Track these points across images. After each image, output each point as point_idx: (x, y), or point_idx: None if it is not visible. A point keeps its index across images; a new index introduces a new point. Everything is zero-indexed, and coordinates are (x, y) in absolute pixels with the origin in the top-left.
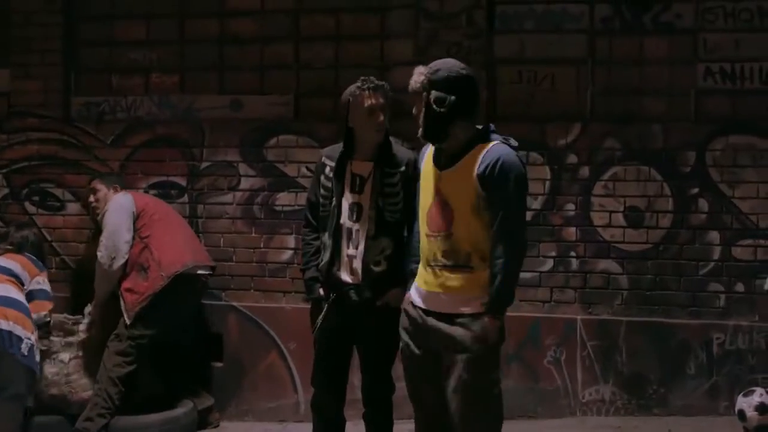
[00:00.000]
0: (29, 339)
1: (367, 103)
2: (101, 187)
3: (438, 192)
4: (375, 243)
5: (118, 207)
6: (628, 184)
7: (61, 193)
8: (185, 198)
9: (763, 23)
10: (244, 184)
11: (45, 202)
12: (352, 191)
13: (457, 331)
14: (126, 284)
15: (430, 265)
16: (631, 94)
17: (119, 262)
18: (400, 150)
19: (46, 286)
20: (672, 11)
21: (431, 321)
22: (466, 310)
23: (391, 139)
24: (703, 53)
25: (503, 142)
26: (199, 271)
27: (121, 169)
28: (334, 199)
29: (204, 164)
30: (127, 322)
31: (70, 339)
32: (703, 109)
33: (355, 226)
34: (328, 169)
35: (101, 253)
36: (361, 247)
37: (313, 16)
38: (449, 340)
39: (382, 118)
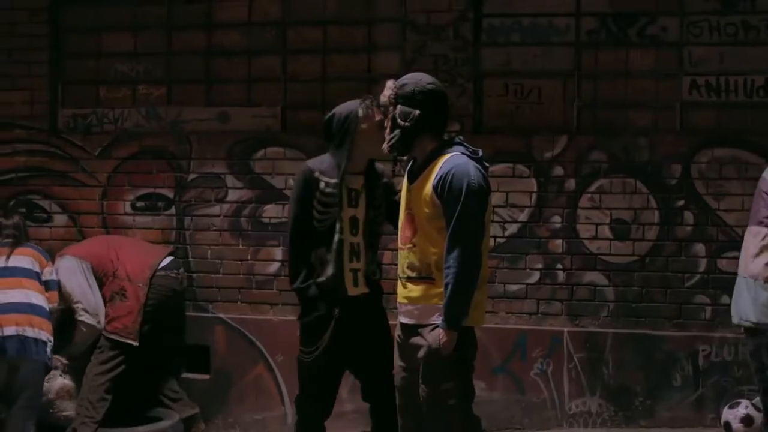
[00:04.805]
0: (51, 341)
1: (378, 117)
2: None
3: (408, 205)
4: (371, 253)
5: (70, 271)
6: (615, 196)
7: (48, 205)
8: (172, 210)
9: (748, 37)
10: (232, 196)
11: (32, 213)
12: (348, 205)
13: (417, 341)
14: (105, 318)
15: (400, 278)
16: (617, 106)
17: (103, 316)
18: (377, 164)
19: (54, 276)
20: (658, 24)
21: (404, 333)
22: (427, 320)
23: None
24: (688, 66)
25: (463, 153)
26: (163, 266)
27: (108, 180)
28: (332, 214)
29: (191, 176)
30: (135, 344)
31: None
32: (688, 122)
33: (356, 240)
34: (323, 185)
35: (85, 316)
36: (363, 259)
37: (301, 28)
38: (413, 351)
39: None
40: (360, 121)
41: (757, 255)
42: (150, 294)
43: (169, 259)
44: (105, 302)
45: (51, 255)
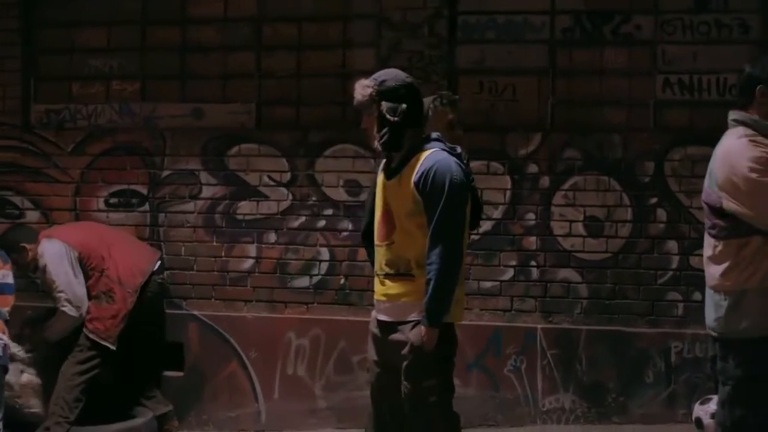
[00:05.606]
0: (1, 339)
1: (448, 117)
2: (31, 247)
3: (385, 201)
4: None
5: (57, 257)
6: (588, 193)
7: (20, 201)
8: (146, 206)
9: (721, 36)
10: (206, 192)
11: (4, 210)
12: None
13: (398, 338)
14: (88, 315)
15: (377, 275)
16: (591, 104)
17: (85, 307)
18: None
19: (10, 279)
20: (632, 23)
21: (382, 330)
22: (407, 317)
23: None
24: (662, 64)
25: (443, 150)
26: (154, 274)
27: (82, 177)
28: None
29: (165, 173)
30: (113, 347)
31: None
32: (661, 120)
33: None
34: None
35: (66, 307)
36: None
37: (276, 24)
38: (392, 348)
39: (460, 131)
40: (429, 120)
41: (710, 265)
42: (137, 300)
43: (158, 263)
44: (89, 297)
45: None
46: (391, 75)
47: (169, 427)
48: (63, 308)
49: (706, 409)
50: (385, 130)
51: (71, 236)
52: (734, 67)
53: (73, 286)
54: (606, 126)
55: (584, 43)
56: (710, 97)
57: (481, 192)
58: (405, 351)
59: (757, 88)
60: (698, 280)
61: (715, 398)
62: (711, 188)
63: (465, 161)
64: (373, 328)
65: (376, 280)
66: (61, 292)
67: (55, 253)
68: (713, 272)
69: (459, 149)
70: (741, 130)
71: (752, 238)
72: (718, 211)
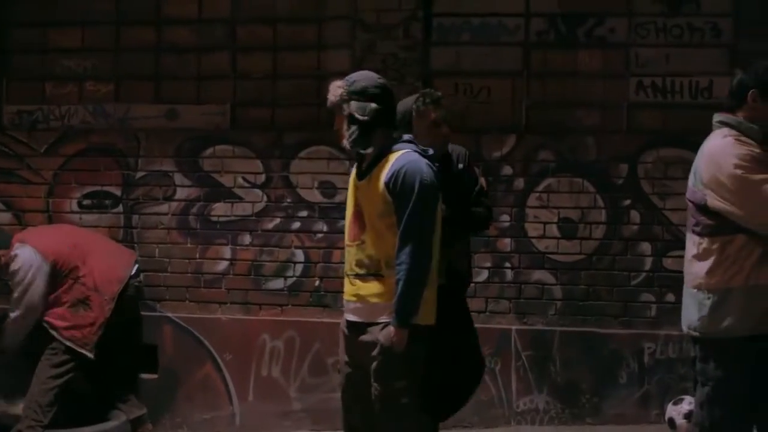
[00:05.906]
0: None
1: (432, 116)
2: (3, 252)
3: (356, 202)
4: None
5: (27, 264)
6: (562, 195)
7: None
8: (120, 208)
9: (693, 39)
10: (180, 194)
11: None
12: None
13: (367, 339)
14: (64, 323)
15: (347, 275)
16: (565, 106)
17: (33, 319)
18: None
19: None
20: (605, 25)
21: (351, 331)
22: (376, 318)
23: None
24: (635, 67)
25: (415, 151)
26: (131, 278)
27: (55, 178)
28: None
29: (139, 174)
30: (90, 356)
31: None
32: (634, 122)
33: None
34: None
35: (15, 313)
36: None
37: (251, 26)
38: (362, 350)
39: (446, 129)
40: (413, 119)
41: (693, 264)
42: (114, 305)
43: (135, 267)
44: (62, 304)
45: None
46: (364, 76)
47: (143, 430)
48: (11, 313)
49: (678, 410)
50: (353, 128)
51: (44, 243)
52: (706, 70)
53: (30, 294)
54: (580, 128)
55: (558, 45)
56: (683, 99)
57: None
58: (375, 352)
59: (749, 92)
60: (671, 281)
61: (687, 398)
62: (696, 186)
63: (466, 160)
64: (344, 328)
65: (346, 281)
66: (17, 295)
67: (25, 261)
68: (697, 271)
69: (431, 151)
70: (726, 130)
71: (736, 236)
72: (703, 209)
